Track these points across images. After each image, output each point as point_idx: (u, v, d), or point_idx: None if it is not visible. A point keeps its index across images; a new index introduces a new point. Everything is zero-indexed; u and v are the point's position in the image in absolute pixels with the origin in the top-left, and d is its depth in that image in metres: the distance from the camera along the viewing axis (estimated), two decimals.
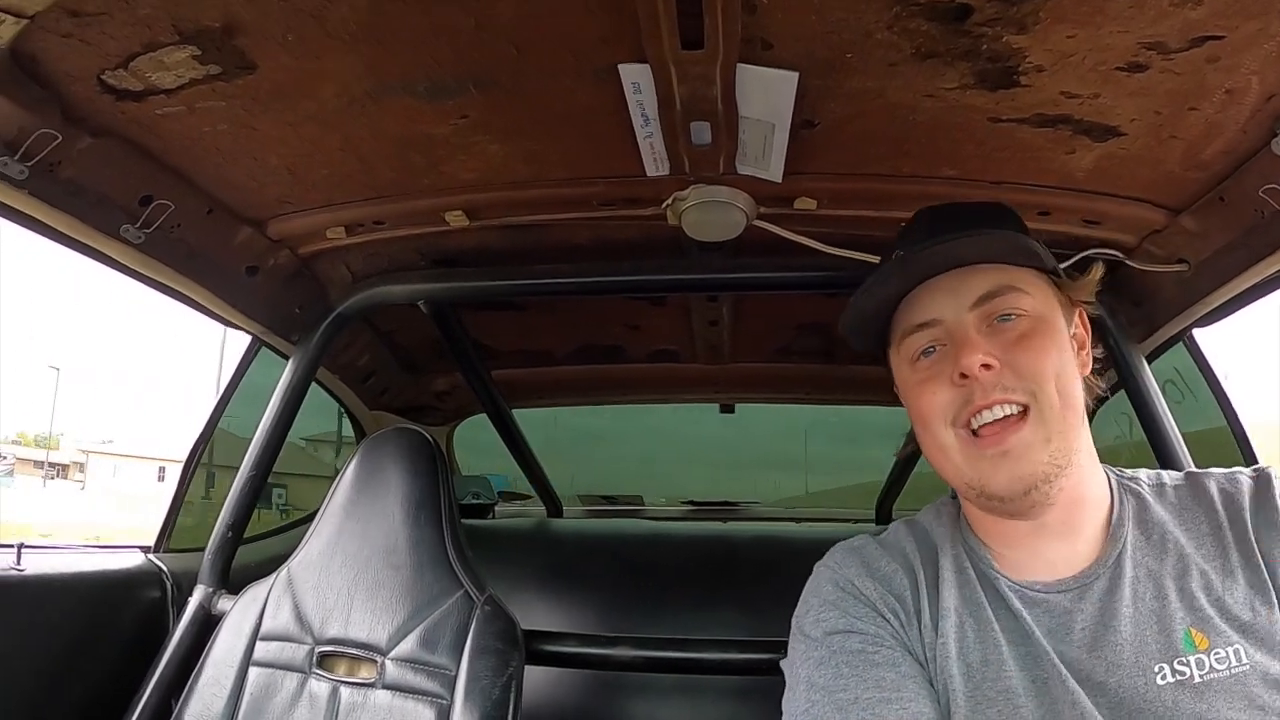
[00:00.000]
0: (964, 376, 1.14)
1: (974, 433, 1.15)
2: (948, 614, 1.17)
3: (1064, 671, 1.09)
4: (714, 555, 2.96)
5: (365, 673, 1.79)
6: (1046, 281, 1.22)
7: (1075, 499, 1.18)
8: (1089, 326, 1.29)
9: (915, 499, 3.17)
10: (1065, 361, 1.17)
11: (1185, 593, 1.11)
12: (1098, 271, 1.28)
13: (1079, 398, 1.18)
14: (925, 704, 1.10)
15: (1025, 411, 1.13)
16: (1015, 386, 1.13)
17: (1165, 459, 1.88)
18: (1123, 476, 1.26)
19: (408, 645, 1.79)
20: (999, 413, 1.13)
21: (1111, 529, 1.19)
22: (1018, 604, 1.15)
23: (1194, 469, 1.29)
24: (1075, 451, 1.16)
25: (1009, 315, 1.17)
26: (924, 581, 1.22)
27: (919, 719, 1.08)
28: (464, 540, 1.96)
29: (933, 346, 1.20)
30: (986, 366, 1.12)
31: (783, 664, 1.25)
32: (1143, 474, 1.27)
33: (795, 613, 1.27)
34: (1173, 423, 1.87)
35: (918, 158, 1.64)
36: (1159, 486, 1.25)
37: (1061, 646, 1.11)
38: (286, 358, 2.23)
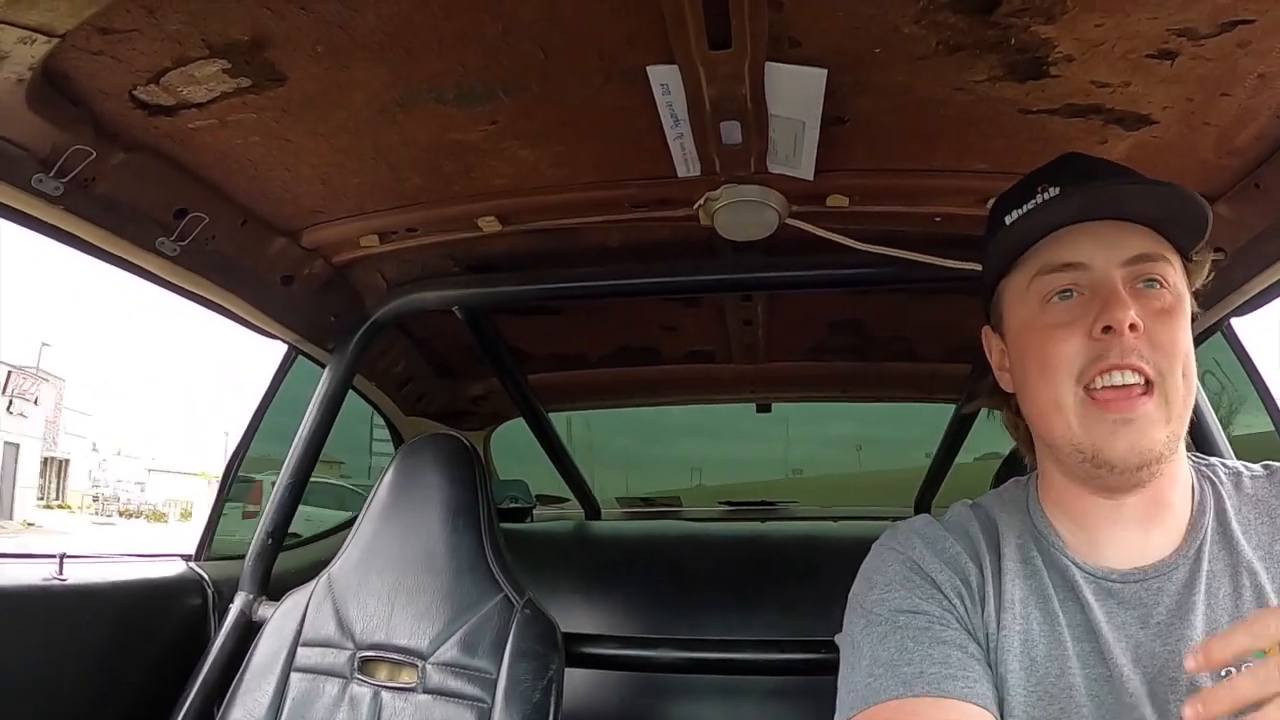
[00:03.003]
0: (1106, 330, 1.07)
1: (1091, 396, 1.09)
2: (1012, 604, 1.13)
3: (1125, 672, 1.05)
4: (752, 556, 2.95)
5: (406, 677, 1.79)
6: (1181, 263, 1.16)
7: (1164, 487, 1.13)
8: None
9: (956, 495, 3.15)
10: (1191, 348, 1.12)
11: (1259, 590, 1.07)
12: (1208, 258, 1.21)
13: (1196, 387, 1.13)
14: (988, 686, 1.06)
15: (1150, 386, 1.07)
16: (1149, 358, 1.07)
17: (1207, 451, 1.84)
18: (1200, 463, 1.21)
19: (448, 649, 1.79)
20: (1127, 379, 1.07)
21: (1193, 518, 1.14)
22: (1088, 595, 1.11)
23: (1272, 462, 1.23)
24: (1183, 439, 1.12)
25: (1155, 282, 1.11)
26: (989, 568, 1.17)
27: (983, 700, 1.04)
28: (503, 544, 1.96)
29: (1071, 290, 1.13)
30: (1133, 327, 1.06)
31: (838, 639, 1.21)
32: (1218, 462, 1.23)
33: (854, 589, 1.22)
34: (1213, 414, 1.85)
35: (948, 152, 1.63)
36: (1236, 476, 1.19)
37: (1136, 640, 1.07)
38: (323, 366, 2.25)
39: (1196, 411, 1.84)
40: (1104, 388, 1.08)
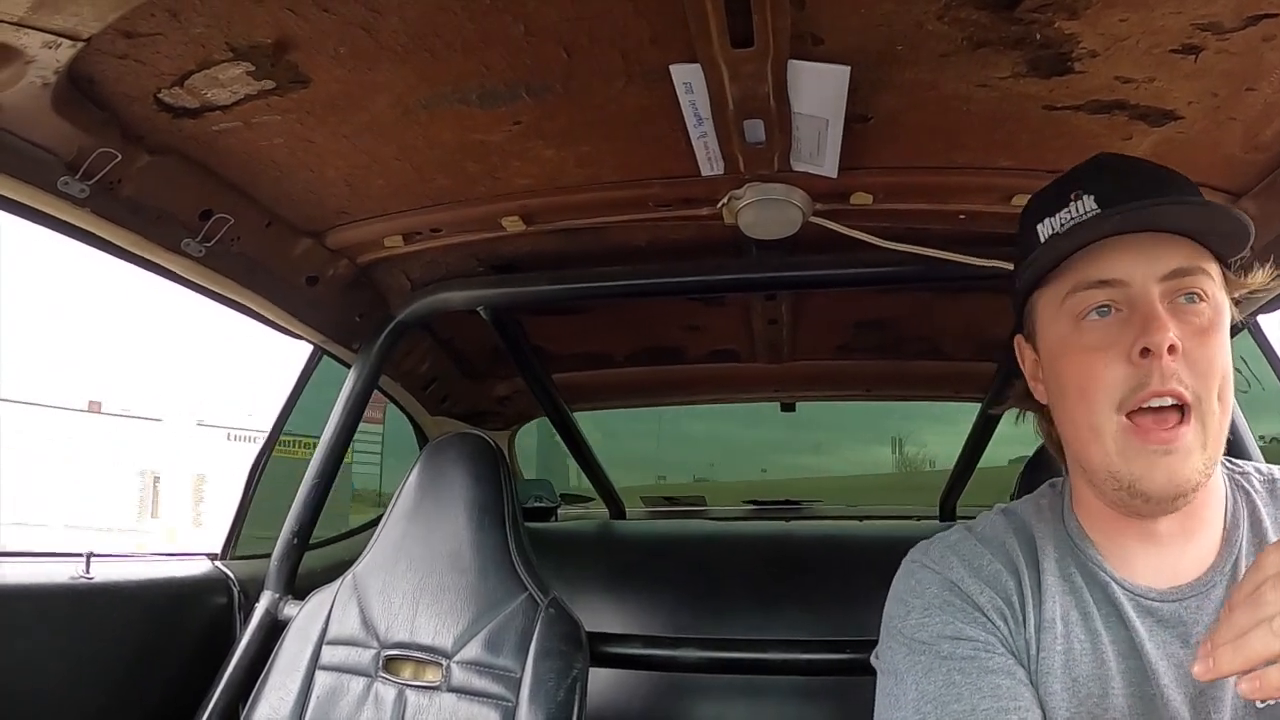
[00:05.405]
0: (1145, 353, 1.02)
1: (1132, 421, 1.04)
2: (1053, 623, 1.10)
3: (1169, 693, 1.03)
4: (777, 555, 2.94)
5: (431, 676, 1.80)
6: (1221, 272, 1.11)
7: (1197, 506, 1.09)
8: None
9: (979, 495, 3.13)
10: (1229, 364, 1.07)
11: None
12: (1266, 274, 1.17)
13: (1232, 405, 1.09)
14: (1038, 712, 1.03)
15: (1186, 413, 1.03)
16: (1187, 382, 1.02)
17: (1234, 449, 1.82)
18: (1234, 470, 1.18)
19: (473, 648, 1.80)
20: (1166, 402, 1.03)
21: (1226, 532, 1.11)
22: (1130, 612, 1.07)
23: None
24: (1218, 461, 1.08)
25: (1194, 297, 1.06)
26: (1028, 584, 1.13)
27: None
28: (527, 543, 1.96)
29: (1108, 307, 1.08)
30: (1173, 349, 1.01)
31: (876, 663, 1.17)
32: (1252, 468, 1.19)
33: (889, 612, 1.18)
34: (1240, 412, 1.82)
35: (973, 149, 1.62)
36: (1271, 484, 1.16)
37: (1177, 659, 1.04)
38: (348, 366, 2.26)
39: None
40: (1143, 411, 1.03)
